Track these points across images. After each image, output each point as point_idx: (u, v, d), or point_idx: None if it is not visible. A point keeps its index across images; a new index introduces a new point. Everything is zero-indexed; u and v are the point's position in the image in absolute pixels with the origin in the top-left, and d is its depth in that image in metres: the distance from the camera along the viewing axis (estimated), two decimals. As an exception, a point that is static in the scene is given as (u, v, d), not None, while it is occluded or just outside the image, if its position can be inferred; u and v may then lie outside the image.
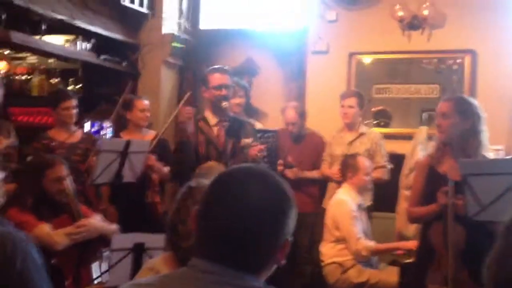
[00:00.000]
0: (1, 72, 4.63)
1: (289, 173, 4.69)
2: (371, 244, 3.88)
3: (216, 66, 3.93)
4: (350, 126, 4.67)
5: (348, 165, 4.09)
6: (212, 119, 3.77)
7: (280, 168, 4.62)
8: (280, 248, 1.21)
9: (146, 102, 4.52)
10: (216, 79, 3.72)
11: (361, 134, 4.62)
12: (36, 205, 3.07)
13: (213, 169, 3.22)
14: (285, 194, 1.23)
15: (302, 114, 4.89)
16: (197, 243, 1.22)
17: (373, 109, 5.33)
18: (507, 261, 1.24)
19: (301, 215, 4.40)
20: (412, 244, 3.60)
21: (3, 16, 4.39)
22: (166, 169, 4.31)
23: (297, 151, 4.80)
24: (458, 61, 5.14)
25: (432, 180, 3.08)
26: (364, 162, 4.09)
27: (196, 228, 1.22)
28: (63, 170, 3.16)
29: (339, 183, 4.45)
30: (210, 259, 1.17)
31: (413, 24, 5.17)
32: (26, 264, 1.73)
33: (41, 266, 1.80)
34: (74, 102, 4.23)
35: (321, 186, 4.86)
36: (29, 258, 1.74)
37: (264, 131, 4.61)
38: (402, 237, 4.39)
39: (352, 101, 4.61)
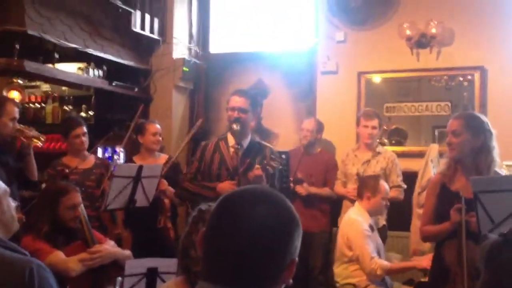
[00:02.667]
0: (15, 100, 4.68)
1: (300, 189, 4.70)
2: (386, 263, 3.84)
3: (239, 89, 4.00)
4: (369, 146, 4.68)
5: (369, 185, 4.01)
6: (231, 140, 3.79)
7: (291, 185, 4.64)
8: (286, 269, 1.20)
9: (158, 126, 4.56)
10: (232, 101, 3.78)
11: (377, 154, 4.63)
12: (50, 232, 3.09)
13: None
14: (289, 213, 1.23)
15: (320, 127, 4.99)
16: (204, 266, 1.22)
17: (385, 127, 5.33)
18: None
19: (313, 235, 4.40)
20: (426, 263, 3.55)
21: (17, 46, 4.48)
22: None
23: (307, 167, 4.82)
24: (467, 77, 5.15)
25: (445, 198, 3.07)
26: (385, 185, 4.04)
27: (202, 251, 1.23)
28: (77, 197, 3.19)
29: (353, 202, 4.45)
30: (217, 281, 1.17)
31: (421, 42, 5.19)
32: None
33: None
34: (83, 129, 4.29)
35: (333, 205, 4.85)
36: (46, 286, 1.77)
37: (278, 152, 4.63)
38: (417, 254, 4.35)
39: (376, 122, 4.66)
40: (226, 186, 3.56)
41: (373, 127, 4.66)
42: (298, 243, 1.23)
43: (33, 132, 3.91)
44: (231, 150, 3.75)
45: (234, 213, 1.20)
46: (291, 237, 1.21)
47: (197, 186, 3.75)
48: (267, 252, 1.17)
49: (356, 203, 4.09)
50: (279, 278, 1.20)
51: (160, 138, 4.55)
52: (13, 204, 2.00)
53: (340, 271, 3.95)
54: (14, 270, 1.76)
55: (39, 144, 3.94)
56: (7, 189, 2.01)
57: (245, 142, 3.78)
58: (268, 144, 4.12)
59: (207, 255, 1.22)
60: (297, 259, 1.23)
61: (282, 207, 1.22)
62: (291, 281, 1.23)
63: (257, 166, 3.61)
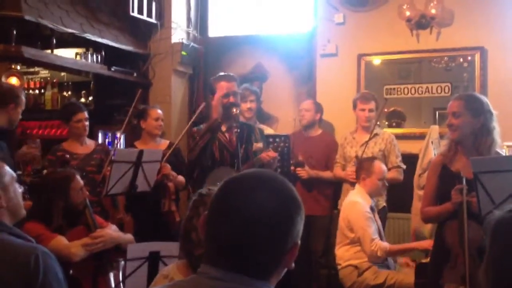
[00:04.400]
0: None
1: (302, 172, 4.71)
2: (386, 245, 3.86)
3: (221, 74, 3.94)
4: (366, 128, 4.67)
5: (363, 167, 4.06)
6: (222, 126, 3.79)
7: (291, 168, 4.64)
8: (288, 252, 1.21)
9: (160, 111, 4.55)
10: (223, 87, 3.74)
11: (375, 135, 4.62)
12: (53, 218, 3.09)
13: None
14: (292, 197, 1.23)
15: (319, 107, 4.99)
16: (206, 249, 1.23)
17: (385, 110, 5.32)
18: (503, 264, 1.24)
19: (315, 218, 4.44)
20: (428, 243, 3.58)
21: (14, 32, 4.46)
22: (180, 177, 4.34)
23: (308, 149, 4.82)
24: (468, 58, 5.12)
25: (446, 179, 3.07)
26: (380, 166, 4.05)
27: (204, 235, 1.23)
28: (80, 180, 3.22)
29: (353, 185, 4.46)
30: (218, 265, 1.18)
31: (421, 23, 5.16)
32: (48, 278, 1.76)
33: (62, 280, 1.84)
34: (85, 114, 4.29)
35: (334, 188, 4.86)
36: (51, 272, 1.78)
37: (276, 136, 4.63)
38: (418, 237, 4.37)
39: (373, 104, 4.65)
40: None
41: (370, 110, 4.65)
42: (300, 227, 1.23)
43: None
44: (227, 135, 3.75)
45: (236, 197, 1.20)
46: (293, 221, 1.21)
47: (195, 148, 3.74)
48: (269, 236, 1.17)
49: (357, 186, 4.10)
50: (281, 261, 1.21)
51: (162, 123, 4.54)
52: (19, 190, 2.01)
53: (341, 253, 3.97)
54: (19, 256, 1.77)
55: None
56: (14, 175, 2.01)
57: (235, 124, 3.78)
58: (253, 124, 4.13)
59: (209, 238, 1.22)
60: (299, 242, 1.23)
61: (285, 191, 1.22)
62: (293, 265, 1.23)
63: (257, 145, 3.63)
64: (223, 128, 3.78)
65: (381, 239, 3.92)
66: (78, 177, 3.21)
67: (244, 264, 1.17)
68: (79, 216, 3.18)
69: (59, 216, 3.06)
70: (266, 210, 1.17)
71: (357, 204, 3.93)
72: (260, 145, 3.74)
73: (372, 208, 3.99)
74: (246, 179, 1.24)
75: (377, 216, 4.05)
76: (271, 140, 4.43)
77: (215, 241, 1.21)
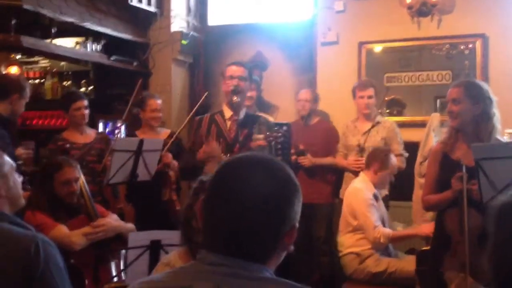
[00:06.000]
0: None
1: (304, 160, 4.70)
2: (389, 231, 3.87)
3: (235, 61, 3.99)
4: (367, 116, 4.66)
5: (378, 158, 4.02)
6: (227, 112, 3.80)
7: (293, 157, 4.64)
8: (287, 235, 1.20)
9: (159, 101, 4.51)
10: (230, 70, 3.77)
11: (377, 123, 4.61)
12: (51, 207, 3.10)
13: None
14: (289, 179, 1.21)
15: (316, 97, 4.98)
16: (204, 235, 1.22)
17: (386, 98, 5.31)
18: (507, 250, 1.23)
19: (317, 206, 4.44)
20: (429, 228, 3.57)
21: (13, 21, 4.44)
22: None
23: (308, 138, 4.81)
24: (469, 45, 5.09)
25: (446, 166, 3.07)
26: (394, 161, 4.05)
27: (202, 220, 1.22)
28: (72, 172, 3.16)
29: (355, 174, 4.45)
30: (217, 250, 1.17)
31: (422, 10, 5.12)
32: (48, 266, 1.76)
33: (63, 268, 1.84)
34: (85, 102, 4.27)
35: (337, 175, 4.86)
36: (51, 261, 1.78)
37: (276, 124, 4.62)
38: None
39: (371, 91, 4.62)
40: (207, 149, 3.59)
41: (369, 97, 4.61)
42: (298, 208, 1.21)
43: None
44: (228, 122, 3.75)
45: (232, 180, 1.19)
46: (290, 203, 1.20)
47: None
48: (267, 219, 1.16)
49: (362, 173, 4.09)
50: (280, 244, 1.20)
51: (160, 115, 4.50)
52: (19, 179, 2.00)
53: (344, 240, 3.98)
54: (20, 245, 1.77)
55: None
56: (14, 164, 2.00)
57: (241, 114, 3.79)
58: (263, 115, 4.12)
59: (207, 224, 1.22)
60: (297, 225, 1.22)
61: (281, 173, 1.21)
62: (292, 247, 1.22)
63: (257, 136, 3.62)
64: (227, 115, 3.78)
65: (385, 226, 3.92)
66: (70, 169, 3.15)
67: (243, 248, 1.16)
68: (78, 206, 3.18)
69: (45, 203, 3.05)
70: (263, 192, 1.16)
71: (360, 191, 3.93)
72: (261, 136, 3.72)
73: (375, 196, 3.98)
74: (242, 162, 1.23)
75: (381, 203, 4.05)
76: (276, 128, 4.43)
77: (213, 226, 1.20)
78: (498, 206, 1.31)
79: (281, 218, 1.18)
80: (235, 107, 3.75)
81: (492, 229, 1.29)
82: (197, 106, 4.22)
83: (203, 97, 4.18)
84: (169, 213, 4.29)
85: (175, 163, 4.27)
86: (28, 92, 3.81)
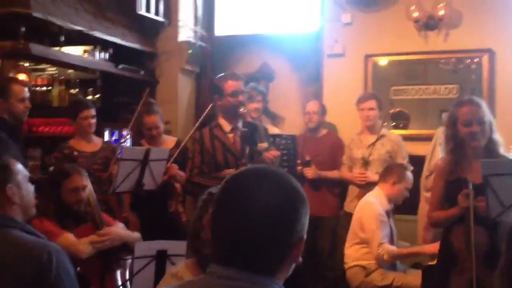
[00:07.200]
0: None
1: (309, 171, 4.69)
2: (393, 248, 3.85)
3: (227, 73, 3.87)
4: (371, 129, 4.66)
5: (395, 172, 4.02)
6: (226, 126, 3.71)
7: (298, 168, 4.63)
8: (294, 247, 1.20)
9: (155, 117, 4.32)
10: (230, 86, 3.65)
11: (382, 136, 4.61)
12: (58, 215, 3.11)
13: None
14: (295, 191, 1.21)
15: (323, 109, 4.97)
16: (213, 248, 1.22)
17: (391, 111, 5.31)
18: None
19: (322, 218, 4.40)
20: (434, 248, 3.56)
21: (22, 29, 4.46)
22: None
23: (315, 150, 4.80)
24: (475, 60, 5.10)
25: (452, 183, 3.04)
26: (411, 177, 4.05)
27: (210, 234, 1.22)
28: (80, 180, 3.16)
29: (360, 187, 4.45)
30: (226, 264, 1.17)
31: (429, 24, 5.14)
32: (59, 274, 1.77)
33: (74, 276, 1.84)
34: (92, 111, 4.27)
35: (342, 190, 4.85)
36: (63, 269, 1.79)
37: (282, 136, 4.62)
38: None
39: (372, 103, 4.62)
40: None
41: (370, 109, 4.61)
42: (305, 220, 1.22)
43: None
44: (230, 135, 3.71)
45: (239, 193, 1.19)
46: (298, 215, 1.20)
47: (207, 178, 3.57)
48: (274, 231, 1.16)
49: (377, 187, 4.07)
50: (288, 256, 1.20)
51: (159, 130, 4.33)
52: (31, 188, 2.02)
53: (351, 252, 3.97)
54: (32, 253, 1.77)
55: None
56: (27, 173, 2.01)
57: (240, 124, 3.74)
58: (258, 123, 4.10)
59: (215, 236, 1.21)
60: (305, 236, 1.22)
61: (288, 185, 1.21)
62: (301, 259, 1.22)
63: (261, 145, 3.61)
64: (227, 129, 3.71)
65: (392, 243, 3.90)
66: (78, 177, 3.16)
67: (251, 261, 1.16)
68: (85, 214, 3.18)
69: (53, 210, 3.06)
70: (269, 204, 1.16)
71: (371, 205, 3.91)
72: (265, 145, 3.71)
73: (387, 213, 3.96)
74: (249, 174, 1.23)
75: (392, 221, 4.03)
76: (277, 139, 4.42)
77: (221, 239, 1.20)
78: (510, 224, 1.31)
79: (288, 230, 1.18)
80: (242, 119, 3.73)
81: (504, 247, 1.30)
82: (203, 115, 4.19)
83: (208, 109, 4.14)
84: (175, 224, 4.25)
85: (182, 174, 4.20)
86: (15, 89, 3.67)
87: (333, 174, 4.81)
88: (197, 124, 4.24)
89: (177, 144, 4.35)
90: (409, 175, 4.05)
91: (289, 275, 1.24)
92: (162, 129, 4.42)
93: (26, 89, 3.80)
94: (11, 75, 4.53)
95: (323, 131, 5.00)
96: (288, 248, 1.19)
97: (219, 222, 1.20)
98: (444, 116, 5.04)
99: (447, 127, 3.08)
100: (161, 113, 4.43)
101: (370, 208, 3.90)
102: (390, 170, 4.07)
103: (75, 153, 4.11)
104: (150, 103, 4.54)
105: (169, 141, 4.48)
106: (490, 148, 2.98)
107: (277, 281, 1.19)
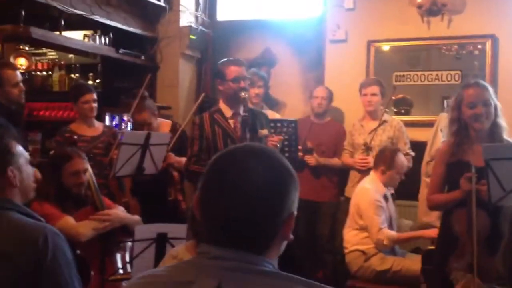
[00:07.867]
0: (22, 67, 4.65)
1: (310, 159, 4.70)
2: (393, 233, 3.86)
3: (230, 59, 3.83)
4: (372, 114, 4.65)
5: (385, 158, 4.01)
6: (227, 111, 3.69)
7: (300, 154, 4.62)
8: (285, 223, 1.18)
9: (145, 114, 4.24)
10: (232, 71, 3.62)
11: (384, 122, 4.60)
12: (59, 198, 3.11)
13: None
14: (284, 167, 1.20)
15: (331, 95, 4.96)
16: (204, 228, 1.20)
17: (393, 97, 5.29)
18: None
19: (322, 204, 4.41)
20: (434, 232, 3.56)
21: (23, 13, 4.44)
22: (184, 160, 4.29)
23: (317, 137, 4.80)
24: (478, 46, 5.07)
25: (454, 167, 3.04)
26: (402, 161, 4.03)
27: (199, 214, 1.20)
28: (81, 163, 3.17)
29: (361, 172, 4.44)
30: (217, 243, 1.16)
31: (432, 10, 5.10)
32: (57, 257, 1.76)
33: (71, 260, 1.84)
34: (93, 95, 4.26)
35: (342, 175, 4.85)
36: (60, 252, 1.78)
37: (283, 121, 4.61)
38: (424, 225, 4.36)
39: (375, 89, 4.61)
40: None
41: (372, 94, 4.61)
42: (295, 197, 1.20)
43: None
44: (231, 121, 3.69)
45: (229, 171, 1.17)
46: (287, 191, 1.18)
47: (205, 166, 3.57)
48: (265, 208, 1.15)
49: (372, 173, 4.08)
50: (278, 233, 1.18)
51: (147, 128, 4.17)
52: (31, 171, 2.01)
53: (350, 237, 3.97)
54: (28, 235, 1.77)
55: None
56: (28, 156, 2.01)
57: (241, 110, 3.71)
58: (259, 109, 4.07)
59: (204, 216, 1.19)
60: (295, 212, 1.20)
61: (277, 162, 1.20)
62: (292, 236, 1.21)
63: (262, 131, 3.59)
64: (228, 114, 3.68)
65: (392, 227, 3.90)
66: (79, 160, 3.16)
67: (242, 239, 1.15)
68: (85, 198, 3.19)
69: (53, 193, 3.06)
70: (258, 181, 1.15)
71: (367, 191, 3.92)
72: (265, 131, 3.68)
73: (385, 196, 3.96)
74: (237, 152, 1.21)
75: (390, 204, 4.03)
76: (278, 125, 4.41)
77: (210, 218, 1.18)
78: None
79: (278, 206, 1.17)
80: (244, 104, 3.69)
81: (507, 230, 1.29)
82: (194, 107, 4.17)
83: (200, 98, 4.11)
84: (175, 212, 4.25)
85: (178, 159, 4.15)
86: (6, 75, 3.62)
87: (334, 161, 4.81)
88: (192, 111, 4.22)
89: (173, 127, 4.33)
90: (400, 159, 4.02)
91: (289, 259, 1.23)
92: (155, 123, 4.33)
93: (17, 72, 3.77)
94: (11, 58, 4.50)
95: (327, 118, 5.00)
96: (279, 225, 1.17)
97: (208, 201, 1.18)
98: (447, 102, 5.07)
99: (452, 109, 3.07)
100: (152, 106, 4.37)
101: (366, 194, 3.90)
102: (380, 157, 4.06)
103: (75, 137, 4.10)
104: (142, 97, 4.44)
105: (164, 124, 4.43)
106: (494, 132, 2.97)
107: (270, 259, 1.18)
